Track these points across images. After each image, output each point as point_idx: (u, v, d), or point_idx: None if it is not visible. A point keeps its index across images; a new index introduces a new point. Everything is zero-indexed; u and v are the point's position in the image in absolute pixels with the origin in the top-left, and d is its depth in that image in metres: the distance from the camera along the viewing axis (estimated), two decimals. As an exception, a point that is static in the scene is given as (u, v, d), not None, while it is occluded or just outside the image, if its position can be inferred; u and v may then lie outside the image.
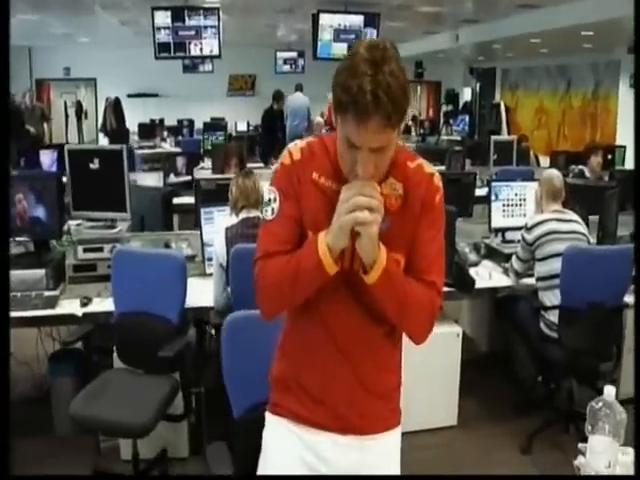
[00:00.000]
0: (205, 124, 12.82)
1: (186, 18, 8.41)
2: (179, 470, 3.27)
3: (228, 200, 3.39)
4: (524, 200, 4.52)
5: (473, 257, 4.18)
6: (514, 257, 3.80)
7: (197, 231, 3.91)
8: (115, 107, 12.50)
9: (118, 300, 3.12)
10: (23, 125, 9.75)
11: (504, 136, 11.56)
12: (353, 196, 1.39)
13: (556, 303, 3.48)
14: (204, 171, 7.42)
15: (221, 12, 8.52)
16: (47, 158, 6.41)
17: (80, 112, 16.39)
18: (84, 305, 3.30)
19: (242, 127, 14.19)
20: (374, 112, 1.33)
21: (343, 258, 1.50)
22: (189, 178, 6.40)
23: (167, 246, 3.92)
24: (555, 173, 3.87)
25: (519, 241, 3.76)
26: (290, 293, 1.53)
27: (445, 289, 3.59)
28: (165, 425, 3.00)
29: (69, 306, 3.30)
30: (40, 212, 3.50)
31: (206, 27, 8.48)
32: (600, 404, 1.67)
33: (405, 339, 1.65)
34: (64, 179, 3.84)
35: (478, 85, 16.52)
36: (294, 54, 14.99)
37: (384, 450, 1.68)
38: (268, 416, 1.71)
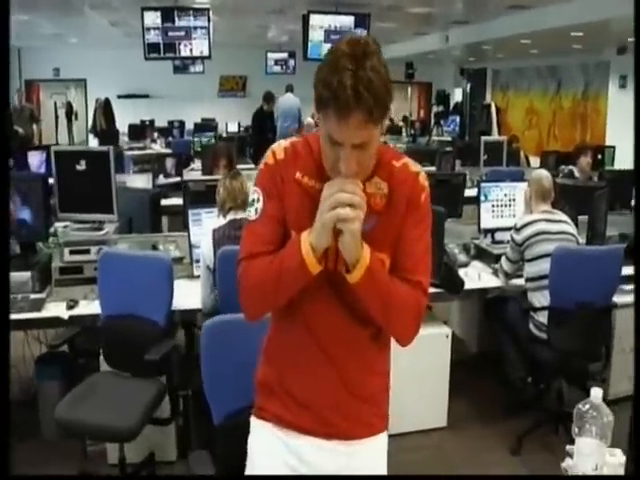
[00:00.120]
0: (196, 125, 12.80)
1: (176, 19, 8.39)
2: (167, 474, 3.24)
3: (216, 201, 3.37)
4: (513, 201, 4.52)
5: (462, 258, 4.17)
6: (503, 258, 3.80)
7: (185, 233, 3.89)
8: (105, 108, 12.42)
9: (104, 303, 3.09)
10: (12, 126, 9.69)
11: (494, 137, 11.57)
12: (335, 193, 1.38)
13: (545, 304, 3.48)
14: (194, 172, 7.40)
15: (211, 13, 8.51)
16: (35, 159, 6.37)
17: (70, 113, 16.32)
18: (70, 308, 3.27)
19: (233, 128, 14.17)
20: (355, 107, 1.32)
21: (327, 258, 1.48)
22: (178, 179, 6.36)
23: (155, 248, 3.91)
24: (544, 174, 3.87)
25: (508, 242, 3.76)
26: (273, 293, 1.51)
27: (434, 290, 3.64)
28: (152, 429, 2.98)
29: (55, 309, 3.27)
30: (26, 214, 3.47)
31: (196, 28, 8.46)
32: (587, 406, 1.66)
33: (394, 341, 1.63)
34: (51, 181, 3.81)
35: (469, 86, 16.55)
36: (285, 55, 14.98)
37: (370, 455, 1.66)
38: (253, 420, 1.69)
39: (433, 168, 7.75)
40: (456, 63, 16.89)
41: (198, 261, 3.54)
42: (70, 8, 9.39)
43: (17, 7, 8.95)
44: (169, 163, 6.66)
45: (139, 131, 12.05)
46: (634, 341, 2.00)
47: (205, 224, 3.69)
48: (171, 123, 13.73)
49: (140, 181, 6.21)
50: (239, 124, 14.27)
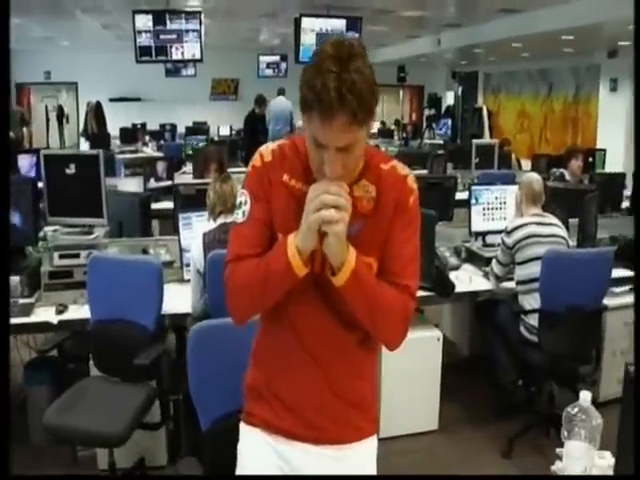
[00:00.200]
0: (187, 128, 12.77)
1: (167, 22, 8.36)
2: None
3: (206, 205, 3.36)
4: (504, 204, 4.53)
5: (453, 261, 4.18)
6: (494, 261, 3.80)
7: (176, 237, 3.88)
8: (96, 111, 12.38)
9: (94, 307, 3.08)
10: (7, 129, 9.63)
11: (486, 140, 11.60)
12: (319, 195, 1.37)
13: (536, 307, 3.49)
14: (185, 176, 7.38)
15: (203, 16, 8.48)
16: (25, 163, 6.33)
17: (61, 116, 16.23)
18: (60, 312, 3.25)
19: (225, 131, 14.15)
20: (339, 109, 1.31)
21: (314, 261, 1.48)
22: (170, 183, 6.34)
23: (145, 252, 3.89)
24: (535, 177, 3.88)
25: (499, 245, 3.77)
26: (260, 296, 1.51)
27: (425, 294, 3.64)
28: (142, 434, 2.97)
29: (44, 313, 3.25)
30: (15, 218, 3.45)
31: (188, 31, 8.44)
32: (576, 409, 1.66)
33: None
34: (40, 184, 3.78)
35: (460, 89, 16.58)
36: (277, 58, 14.97)
37: (359, 459, 1.65)
38: (242, 426, 1.68)
39: (425, 171, 7.77)
40: (448, 66, 16.92)
41: (188, 265, 3.53)
42: (61, 11, 9.36)
43: (8, 10, 8.92)
44: (160, 167, 6.64)
45: (131, 134, 12.01)
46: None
47: (195, 228, 3.68)
48: (163, 126, 13.70)
49: (131, 185, 6.19)
50: (231, 127, 14.25)
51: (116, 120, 13.33)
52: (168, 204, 5.35)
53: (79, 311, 3.28)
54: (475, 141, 8.34)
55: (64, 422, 2.71)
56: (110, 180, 5.06)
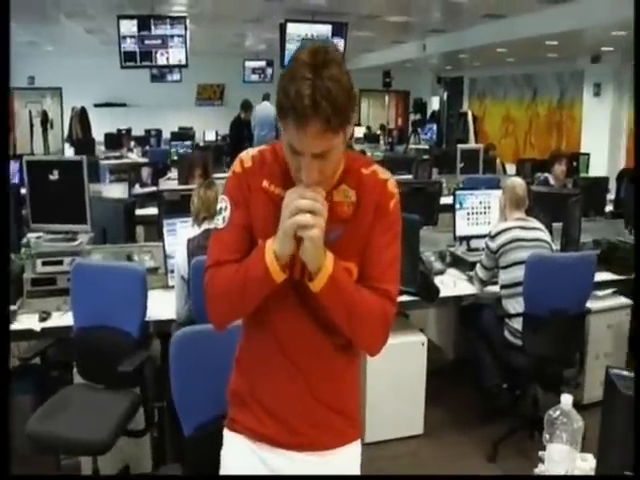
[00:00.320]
0: (173, 134, 12.74)
1: (152, 27, 8.35)
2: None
3: (190, 211, 3.36)
4: (489, 208, 4.55)
5: (438, 265, 4.19)
6: (478, 265, 3.82)
7: (160, 243, 3.86)
8: (81, 117, 12.35)
9: (77, 314, 3.06)
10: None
11: (471, 144, 11.66)
12: (295, 200, 1.37)
13: (520, 310, 3.51)
14: (171, 181, 7.36)
15: (188, 21, 8.49)
16: (9, 169, 6.29)
17: (45, 122, 16.14)
18: (43, 320, 3.23)
19: (211, 137, 14.12)
20: (312, 116, 1.31)
21: (294, 267, 1.48)
22: (155, 189, 6.33)
23: (129, 259, 3.87)
24: (518, 181, 3.91)
25: (483, 249, 3.78)
26: (239, 302, 1.51)
27: (410, 298, 3.64)
28: (127, 441, 2.95)
29: (27, 321, 3.23)
30: (-3, 225, 3.42)
31: (173, 36, 8.43)
32: (557, 413, 1.67)
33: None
34: (23, 191, 3.76)
35: (446, 94, 16.66)
36: (262, 63, 14.99)
37: (342, 464, 1.65)
38: (226, 432, 1.68)
39: (410, 176, 7.80)
40: (433, 71, 17.01)
41: (173, 271, 3.51)
42: (45, 16, 9.31)
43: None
44: (145, 172, 6.63)
45: (116, 140, 11.98)
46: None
47: (180, 234, 3.67)
48: (148, 132, 13.68)
49: (116, 191, 6.18)
50: (217, 133, 14.24)
51: (101, 126, 13.30)
52: (153, 210, 5.33)
53: (62, 318, 3.27)
54: (460, 146, 8.40)
55: (47, 430, 2.68)
56: (94, 186, 5.05)
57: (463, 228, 4.51)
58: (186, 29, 8.41)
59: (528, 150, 13.43)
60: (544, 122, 13.15)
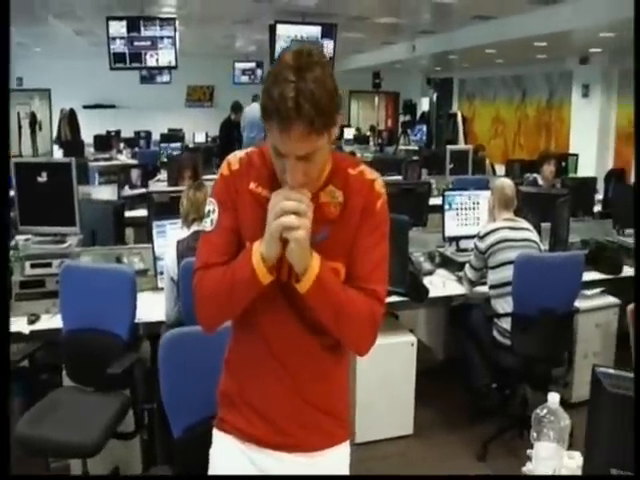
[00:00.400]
0: (162, 135, 12.72)
1: (142, 28, 8.32)
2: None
3: (180, 213, 3.36)
4: (478, 209, 4.57)
5: (427, 266, 4.21)
6: (467, 265, 3.84)
7: (150, 245, 3.86)
8: (70, 118, 12.31)
9: (66, 316, 3.05)
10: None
11: (460, 146, 11.71)
12: (280, 202, 1.38)
13: (509, 310, 3.52)
14: (160, 183, 7.35)
15: (178, 23, 8.46)
16: (-3, 171, 6.25)
17: (34, 123, 16.07)
18: (32, 322, 3.22)
19: (200, 138, 14.12)
20: (296, 119, 1.31)
21: (281, 269, 1.48)
22: (144, 190, 6.31)
23: (119, 261, 3.86)
24: (507, 182, 3.92)
25: (472, 249, 3.80)
26: (227, 304, 1.51)
27: (399, 299, 3.65)
28: (116, 443, 2.94)
29: (16, 324, 3.20)
30: (-15, 227, 3.40)
31: (162, 37, 8.41)
32: (544, 411, 1.68)
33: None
34: (11, 193, 3.74)
35: (435, 95, 16.69)
36: (252, 65, 14.97)
37: (331, 465, 1.65)
38: (215, 432, 1.68)
39: (400, 177, 7.82)
40: (423, 73, 17.04)
41: (162, 273, 3.51)
42: (34, 17, 9.27)
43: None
44: (135, 174, 6.62)
45: (105, 142, 11.93)
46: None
47: (169, 236, 3.66)
48: (137, 134, 13.63)
49: (105, 192, 6.16)
50: (207, 134, 14.22)
51: (90, 127, 13.26)
52: (142, 212, 5.32)
53: (51, 321, 3.26)
54: (449, 147, 8.44)
55: (36, 433, 2.67)
56: (83, 188, 5.03)
57: (452, 229, 4.52)
58: (175, 30, 8.39)
59: (517, 151, 13.48)
60: (533, 123, 13.21)
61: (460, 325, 3.97)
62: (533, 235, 3.71)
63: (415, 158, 9.63)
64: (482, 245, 3.65)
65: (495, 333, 3.59)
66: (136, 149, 11.87)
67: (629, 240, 4.80)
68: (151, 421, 3.28)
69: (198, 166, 5.58)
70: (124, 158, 10.89)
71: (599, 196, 6.70)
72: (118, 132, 13.36)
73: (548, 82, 12.57)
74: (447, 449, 3.64)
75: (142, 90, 14.43)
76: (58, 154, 12.61)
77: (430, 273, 4.17)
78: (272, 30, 8.66)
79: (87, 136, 12.49)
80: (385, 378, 3.59)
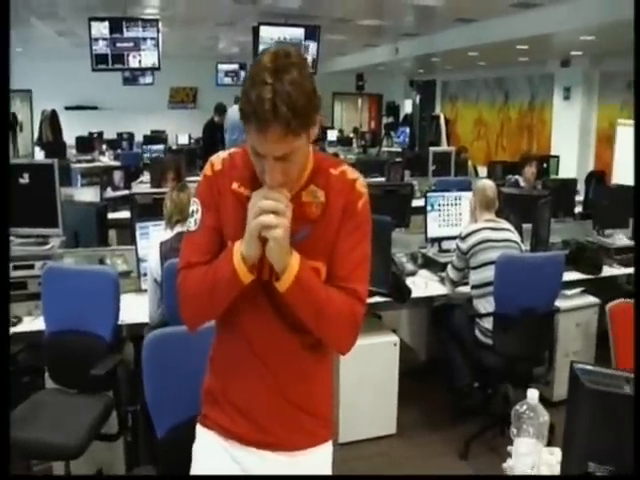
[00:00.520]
0: (145, 137, 12.67)
1: (124, 29, 8.27)
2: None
3: (163, 214, 3.36)
4: (460, 210, 4.60)
5: (410, 267, 4.24)
6: (450, 266, 3.87)
7: (133, 247, 3.85)
8: (52, 120, 12.19)
9: (49, 318, 3.04)
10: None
11: (443, 147, 11.78)
12: (259, 201, 1.39)
13: (490, 310, 3.56)
14: (143, 185, 7.32)
15: (161, 24, 8.43)
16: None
17: (15, 125, 15.92)
18: (13, 325, 3.20)
19: (183, 140, 14.08)
20: (272, 121, 1.32)
21: (263, 268, 1.49)
22: (127, 192, 6.29)
23: (102, 262, 3.85)
24: (488, 183, 3.96)
25: (455, 250, 3.83)
26: (209, 303, 1.52)
27: (382, 299, 3.67)
28: (100, 445, 2.92)
29: (-3, 326, 3.18)
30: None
31: (145, 39, 8.36)
32: (524, 407, 1.71)
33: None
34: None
35: (418, 97, 16.76)
36: (235, 66, 14.94)
37: (313, 465, 1.66)
38: (199, 427, 1.69)
39: (382, 179, 7.85)
40: (406, 75, 17.11)
41: (146, 275, 3.51)
42: (15, 17, 9.17)
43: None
44: (117, 176, 6.60)
45: (87, 143, 11.87)
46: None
47: (153, 237, 3.66)
48: (120, 135, 13.57)
49: (88, 194, 6.11)
50: (190, 136, 14.18)
51: (72, 129, 13.15)
52: (125, 214, 5.31)
53: (34, 323, 3.24)
54: (432, 149, 8.49)
55: (19, 436, 2.64)
56: (66, 190, 5.00)
57: (434, 230, 4.56)
58: (158, 32, 8.35)
59: (500, 153, 13.57)
60: (515, 125, 13.31)
61: (442, 325, 4.00)
62: (514, 236, 3.75)
63: (398, 160, 9.69)
64: (464, 246, 3.68)
65: (477, 333, 3.63)
66: (119, 151, 11.82)
67: (609, 241, 4.87)
68: (135, 423, 3.27)
69: (181, 168, 5.57)
70: (106, 160, 10.84)
71: (580, 197, 6.78)
72: (100, 134, 13.29)
73: (530, 84, 12.67)
74: (430, 448, 3.67)
75: (125, 91, 14.34)
76: (39, 156, 12.49)
77: (413, 274, 4.20)
78: (255, 32, 8.65)
79: (69, 137, 12.40)
80: (368, 378, 3.61)
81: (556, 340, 3.97)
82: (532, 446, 1.69)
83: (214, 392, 1.64)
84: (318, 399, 1.66)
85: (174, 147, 12.23)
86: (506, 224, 3.78)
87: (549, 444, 1.77)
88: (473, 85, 15.00)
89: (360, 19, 9.37)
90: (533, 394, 1.70)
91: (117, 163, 9.74)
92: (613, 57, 9.64)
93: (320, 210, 1.53)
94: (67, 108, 15.31)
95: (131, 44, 8.31)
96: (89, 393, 2.94)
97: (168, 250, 3.12)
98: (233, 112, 10.84)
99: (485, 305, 3.59)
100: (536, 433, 1.68)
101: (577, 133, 10.51)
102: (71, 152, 11.52)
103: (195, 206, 1.57)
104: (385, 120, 16.99)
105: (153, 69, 9.25)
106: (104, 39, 8.18)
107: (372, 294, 3.48)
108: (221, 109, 10.55)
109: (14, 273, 3.39)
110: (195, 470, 1.67)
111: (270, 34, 8.68)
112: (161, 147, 10.53)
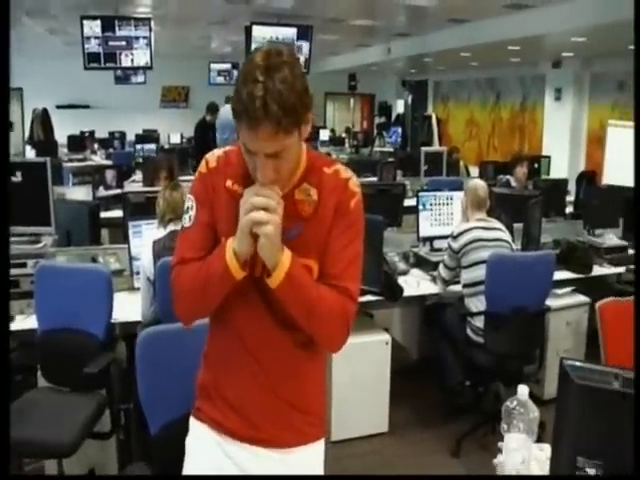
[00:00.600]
0: (137, 136, 12.64)
1: (116, 28, 8.26)
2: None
3: (156, 213, 3.36)
4: (451, 209, 4.63)
5: (402, 266, 4.26)
6: (441, 265, 3.89)
7: (125, 245, 3.85)
8: (43, 118, 12.13)
9: (42, 317, 3.04)
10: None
11: (435, 147, 11.81)
12: (250, 198, 1.41)
13: (482, 309, 3.58)
14: (135, 184, 7.31)
15: (153, 23, 8.42)
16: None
17: (7, 123, 15.84)
18: (6, 322, 3.19)
19: (175, 139, 14.06)
20: (263, 119, 1.33)
21: (255, 264, 1.50)
22: (119, 191, 6.29)
23: (94, 261, 3.85)
24: (480, 183, 3.98)
25: (446, 249, 3.85)
26: (202, 299, 1.54)
27: (374, 298, 3.69)
28: (92, 443, 2.93)
29: (-11, 325, 3.18)
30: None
31: (137, 38, 8.36)
32: (514, 403, 1.73)
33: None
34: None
35: (410, 97, 16.79)
36: (228, 66, 14.92)
37: (304, 463, 1.67)
38: (192, 420, 1.70)
39: (375, 178, 7.87)
40: (398, 75, 17.14)
41: (139, 273, 3.51)
42: (6, 16, 9.16)
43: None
44: (109, 175, 6.59)
45: (79, 142, 11.84)
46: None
47: (145, 236, 3.66)
48: (112, 134, 13.55)
49: (80, 193, 6.12)
50: (182, 135, 14.17)
51: (64, 127, 13.09)
52: (117, 212, 5.30)
53: (26, 321, 3.24)
54: (424, 149, 8.51)
55: (11, 435, 2.65)
56: (58, 188, 5.00)
57: (426, 229, 4.58)
58: (151, 31, 8.35)
59: (491, 153, 13.62)
60: (507, 125, 13.36)
61: (434, 324, 4.02)
62: (505, 235, 3.77)
63: (390, 160, 9.70)
64: (455, 245, 3.70)
65: (469, 331, 3.65)
66: (110, 150, 11.80)
67: (599, 240, 4.90)
68: (127, 421, 3.28)
69: (174, 167, 5.57)
70: (98, 159, 10.82)
71: (570, 197, 6.82)
72: (92, 133, 13.26)
73: (521, 85, 12.73)
74: (421, 446, 3.69)
75: (117, 90, 14.31)
76: (30, 154, 12.43)
77: (405, 273, 4.22)
78: (248, 31, 8.65)
79: (60, 136, 12.35)
80: (360, 377, 3.62)
81: (547, 339, 3.99)
82: (522, 441, 1.71)
83: (207, 387, 1.66)
84: (310, 397, 1.66)
85: (166, 146, 12.22)
86: (497, 223, 3.81)
87: (539, 441, 1.79)
88: (465, 85, 15.05)
89: (352, 19, 9.39)
90: (523, 390, 1.72)
91: (109, 162, 9.72)
92: (604, 58, 9.71)
93: (313, 208, 1.54)
94: (59, 107, 15.24)
95: (123, 43, 8.31)
96: (82, 391, 2.94)
97: (161, 248, 3.13)
98: (224, 111, 10.82)
99: (476, 304, 3.62)
100: (526, 429, 1.70)
101: (568, 134, 10.58)
102: (63, 151, 11.49)
103: (190, 203, 1.58)
104: (377, 120, 17.03)
105: (145, 68, 9.24)
106: (96, 38, 8.17)
107: (364, 293, 3.49)
108: (213, 108, 10.53)
109: (6, 271, 3.38)
110: (188, 464, 1.68)
111: (263, 34, 8.68)
112: (153, 146, 10.51)
